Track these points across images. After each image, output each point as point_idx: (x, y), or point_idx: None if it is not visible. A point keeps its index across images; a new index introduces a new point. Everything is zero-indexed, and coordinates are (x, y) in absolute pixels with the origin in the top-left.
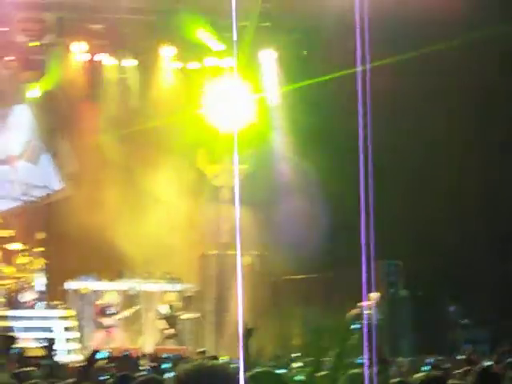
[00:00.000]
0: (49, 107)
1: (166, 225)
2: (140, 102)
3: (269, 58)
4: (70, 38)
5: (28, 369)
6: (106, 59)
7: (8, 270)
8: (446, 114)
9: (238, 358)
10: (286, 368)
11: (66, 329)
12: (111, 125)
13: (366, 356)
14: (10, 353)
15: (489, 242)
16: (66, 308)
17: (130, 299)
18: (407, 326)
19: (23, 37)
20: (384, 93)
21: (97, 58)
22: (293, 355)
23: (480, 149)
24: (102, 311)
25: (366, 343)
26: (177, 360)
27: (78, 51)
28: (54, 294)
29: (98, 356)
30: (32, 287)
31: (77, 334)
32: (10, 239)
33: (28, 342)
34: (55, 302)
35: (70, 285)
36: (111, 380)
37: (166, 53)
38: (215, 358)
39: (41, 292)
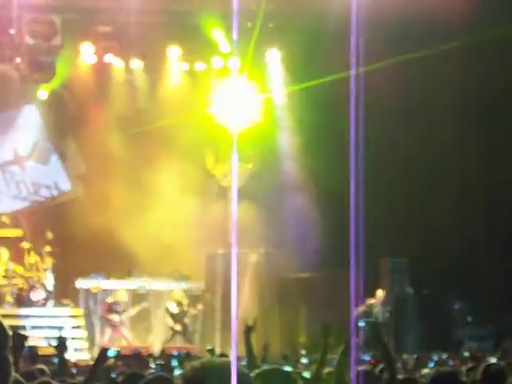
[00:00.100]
0: (57, 108)
1: (174, 224)
2: (148, 102)
3: (274, 58)
4: (78, 39)
5: (38, 367)
6: (114, 60)
7: (18, 269)
8: (447, 114)
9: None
10: (293, 366)
11: (74, 327)
12: (119, 125)
13: (371, 353)
14: (21, 351)
15: (493, 240)
16: (74, 307)
17: (138, 298)
18: (412, 323)
19: (31, 39)
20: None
21: (105, 59)
22: (300, 353)
23: (482, 149)
24: (110, 308)
25: (371, 340)
26: (185, 358)
27: (86, 53)
28: (63, 293)
29: (108, 354)
30: (42, 286)
31: (85, 333)
32: (19, 239)
33: (38, 340)
34: (64, 301)
35: (81, 283)
36: (121, 378)
37: (173, 54)
38: (224, 355)
39: (50, 291)
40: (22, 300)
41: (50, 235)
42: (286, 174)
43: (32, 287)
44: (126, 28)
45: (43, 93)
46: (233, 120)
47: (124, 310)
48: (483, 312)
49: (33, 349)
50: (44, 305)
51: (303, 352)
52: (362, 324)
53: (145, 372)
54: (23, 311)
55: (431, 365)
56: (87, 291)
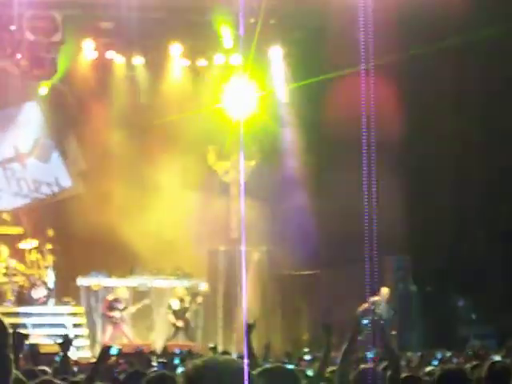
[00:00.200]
0: (58, 105)
1: (176, 221)
2: (149, 99)
3: (277, 55)
4: (80, 35)
5: (39, 368)
6: (115, 57)
7: (19, 266)
8: (449, 114)
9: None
10: (296, 364)
11: (75, 325)
12: (120, 122)
13: (375, 351)
14: (22, 349)
15: (498, 238)
16: (75, 304)
17: (140, 295)
18: (416, 320)
19: (32, 35)
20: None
21: (106, 55)
22: (303, 350)
23: (485, 149)
24: (111, 306)
25: (375, 338)
26: (187, 356)
27: (87, 49)
28: (64, 291)
29: (111, 352)
30: (43, 283)
31: (86, 331)
32: (20, 236)
33: (39, 338)
34: (65, 299)
35: (82, 281)
36: (123, 376)
37: (175, 50)
38: (227, 353)
39: (51, 289)
40: (22, 298)
41: (50, 233)
42: (288, 171)
43: (33, 285)
44: (127, 24)
45: (44, 89)
46: (235, 116)
47: (125, 307)
48: (487, 310)
49: (34, 347)
50: (45, 303)
51: (306, 349)
52: (365, 321)
53: (147, 370)
54: (24, 309)
55: (435, 362)
56: (88, 289)
